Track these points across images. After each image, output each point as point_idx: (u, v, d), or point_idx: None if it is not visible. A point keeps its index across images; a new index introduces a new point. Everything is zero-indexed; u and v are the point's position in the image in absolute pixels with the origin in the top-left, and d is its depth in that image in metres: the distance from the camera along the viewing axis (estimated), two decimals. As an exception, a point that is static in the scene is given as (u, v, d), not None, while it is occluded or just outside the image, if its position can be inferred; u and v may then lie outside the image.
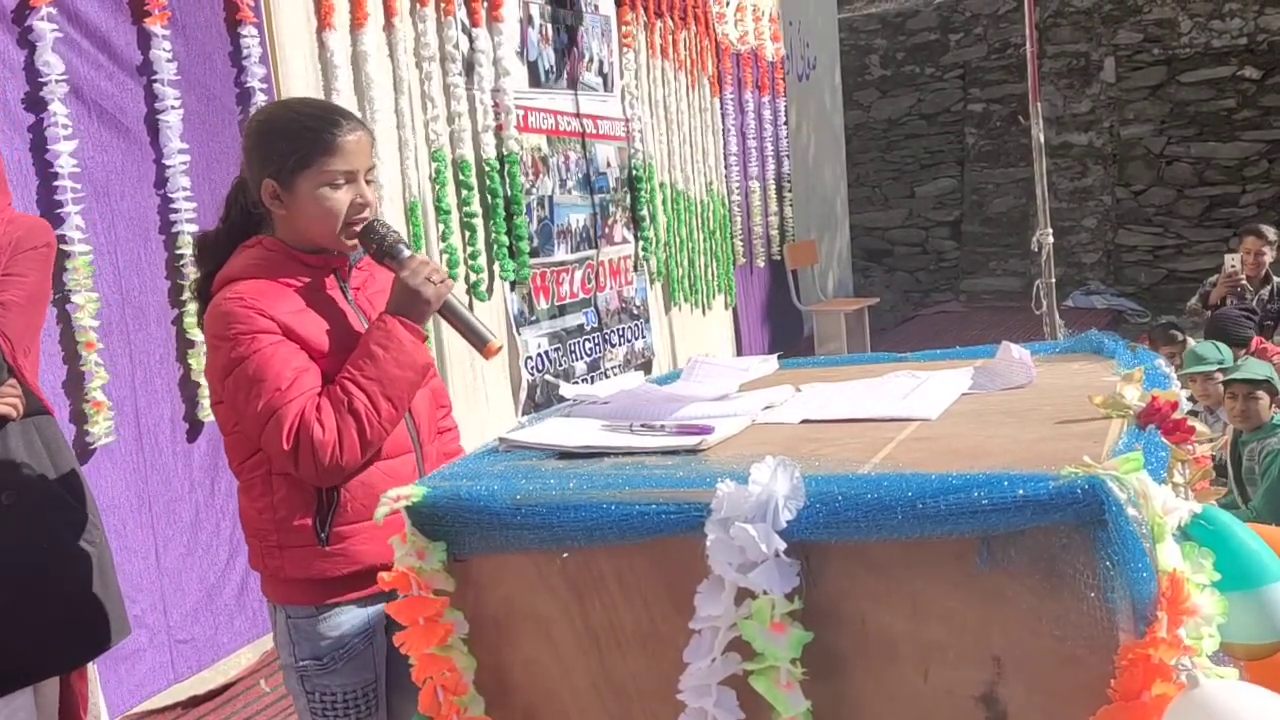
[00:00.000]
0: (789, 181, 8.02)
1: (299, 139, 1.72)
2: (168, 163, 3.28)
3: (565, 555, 1.25)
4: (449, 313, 1.79)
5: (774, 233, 7.75)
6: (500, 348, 1.83)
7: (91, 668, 2.28)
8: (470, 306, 4.47)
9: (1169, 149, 9.40)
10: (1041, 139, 4.99)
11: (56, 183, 2.95)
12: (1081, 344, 1.87)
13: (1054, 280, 4.97)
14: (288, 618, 1.76)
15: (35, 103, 2.93)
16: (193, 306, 3.31)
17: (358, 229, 1.76)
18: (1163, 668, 1.01)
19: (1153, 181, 9.48)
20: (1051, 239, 4.95)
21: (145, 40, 3.23)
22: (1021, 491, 1.05)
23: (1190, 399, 3.98)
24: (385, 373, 1.68)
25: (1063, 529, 1.05)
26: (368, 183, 1.77)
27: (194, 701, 3.25)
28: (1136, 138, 9.51)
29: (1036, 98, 4.99)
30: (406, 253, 1.76)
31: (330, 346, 1.72)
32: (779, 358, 1.99)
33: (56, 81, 2.95)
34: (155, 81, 3.24)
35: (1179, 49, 9.34)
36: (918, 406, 1.50)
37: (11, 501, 2.06)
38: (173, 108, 3.28)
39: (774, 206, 7.77)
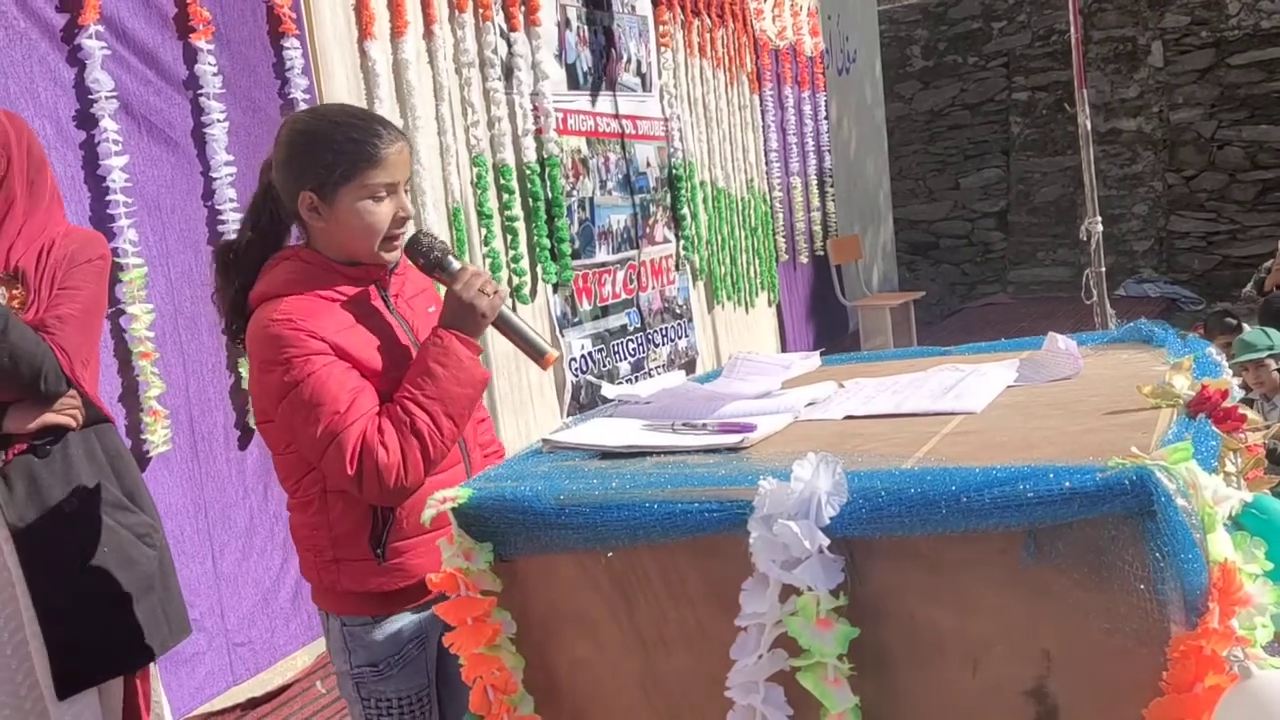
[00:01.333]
0: (830, 176, 7.97)
1: (342, 151, 1.68)
2: (214, 175, 3.34)
3: (610, 555, 1.26)
4: (504, 325, 1.78)
5: (816, 228, 7.72)
6: (558, 358, 1.83)
7: (154, 668, 2.33)
8: (513, 309, 4.50)
9: (1220, 133, 9.21)
10: (1089, 126, 4.91)
11: (109, 197, 3.01)
12: (1130, 334, 1.85)
13: (1104, 269, 4.88)
14: (342, 626, 1.77)
15: (86, 119, 3.00)
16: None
17: (398, 242, 1.74)
18: (1215, 659, 0.99)
19: (1204, 166, 9.30)
20: (1101, 227, 4.87)
21: (191, 55, 3.29)
22: (1068, 483, 1.04)
23: (1244, 387, 3.90)
24: (446, 391, 1.66)
25: (1111, 521, 1.03)
26: (405, 191, 1.76)
27: (253, 703, 3.31)
28: (1186, 122, 9.34)
29: (1083, 84, 4.92)
30: (456, 265, 1.75)
31: (381, 361, 1.70)
32: (821, 354, 1.98)
33: (106, 98, 3.01)
34: (201, 95, 3.31)
35: (1227, 31, 9.15)
36: (962, 400, 1.49)
37: (72, 508, 2.09)
38: (218, 121, 3.33)
39: (816, 202, 7.73)
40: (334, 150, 1.69)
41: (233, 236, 3.32)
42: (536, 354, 1.79)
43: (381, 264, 1.76)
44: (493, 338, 1.92)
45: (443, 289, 1.78)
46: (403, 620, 1.74)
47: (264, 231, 1.79)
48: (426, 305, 1.85)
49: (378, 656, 1.75)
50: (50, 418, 2.07)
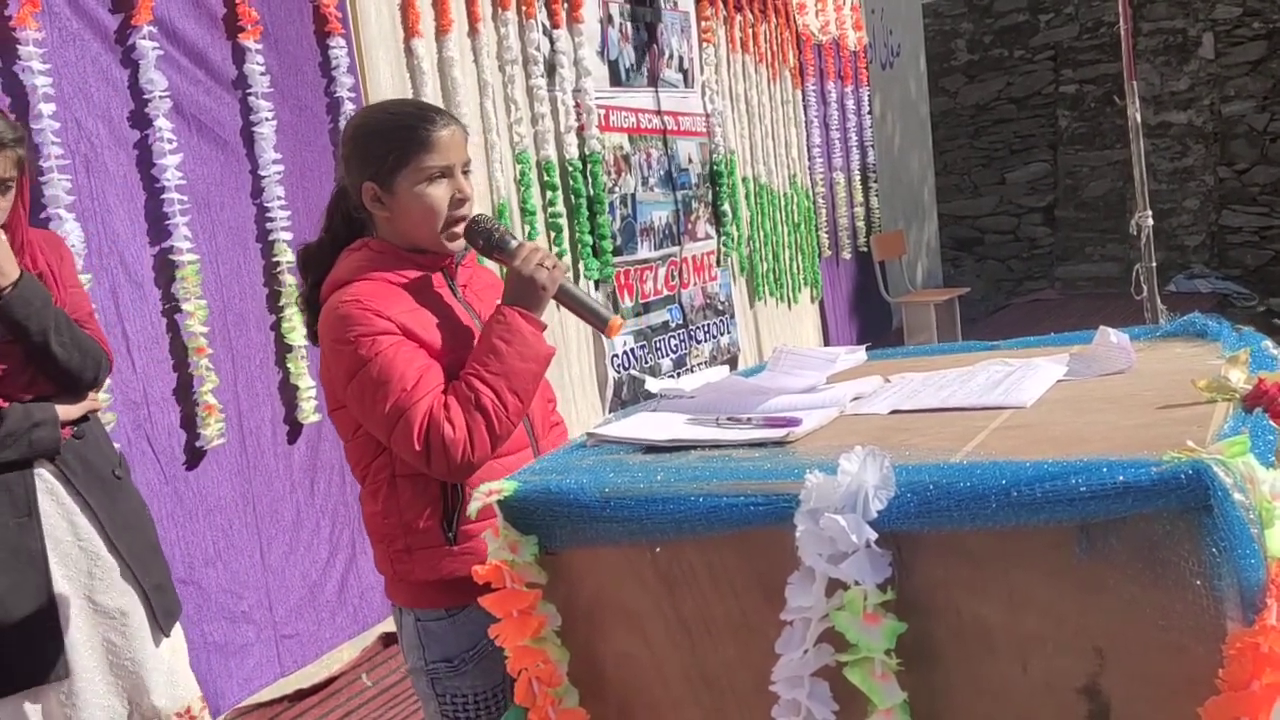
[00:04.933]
0: (874, 172, 7.91)
1: (393, 138, 1.73)
2: (263, 173, 3.38)
3: (658, 551, 1.25)
4: (565, 297, 1.78)
5: (860, 224, 7.66)
6: (622, 324, 1.82)
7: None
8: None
9: (1273, 125, 9.02)
10: (1139, 119, 4.83)
11: (164, 195, 3.06)
12: (1183, 327, 1.81)
13: (1155, 264, 4.80)
14: (416, 620, 1.77)
15: (140, 119, 3.05)
16: (290, 311, 3.41)
17: (459, 227, 1.77)
18: (1273, 656, 0.97)
19: (1256, 160, 9.11)
20: (1151, 221, 4.79)
21: (240, 55, 3.33)
22: (1122, 478, 1.02)
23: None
24: (510, 367, 1.67)
25: (1166, 516, 1.02)
26: (465, 174, 1.77)
27: (299, 695, 3.35)
28: (1238, 115, 9.15)
29: (1132, 77, 4.84)
30: (514, 243, 1.77)
31: (447, 344, 1.73)
32: (867, 349, 1.97)
33: (160, 98, 3.06)
34: (250, 95, 3.35)
35: (1283, 20, 8.96)
36: (1011, 394, 1.47)
37: (114, 479, 2.35)
38: (267, 119, 3.37)
39: (859, 197, 7.68)
40: (387, 139, 1.73)
41: (282, 234, 3.39)
42: (600, 322, 1.79)
43: (447, 252, 1.79)
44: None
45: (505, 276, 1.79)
46: (477, 614, 1.74)
47: (337, 232, 1.84)
48: (494, 299, 1.86)
49: (452, 651, 1.75)
50: (90, 404, 2.34)
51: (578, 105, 4.84)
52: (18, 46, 2.73)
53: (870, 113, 7.88)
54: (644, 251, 5.32)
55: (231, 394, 3.27)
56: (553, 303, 1.78)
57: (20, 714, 2.20)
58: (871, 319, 7.72)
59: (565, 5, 4.80)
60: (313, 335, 1.84)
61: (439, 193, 1.74)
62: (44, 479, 2.22)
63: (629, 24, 5.31)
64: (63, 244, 2.44)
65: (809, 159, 7.01)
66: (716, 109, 5.95)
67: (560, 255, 4.67)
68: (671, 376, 5.25)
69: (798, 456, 1.30)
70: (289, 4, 3.52)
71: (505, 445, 1.74)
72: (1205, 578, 1.00)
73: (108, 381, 2.98)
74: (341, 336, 1.68)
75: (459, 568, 1.72)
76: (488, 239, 1.77)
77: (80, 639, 2.25)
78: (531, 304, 1.73)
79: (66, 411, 2.24)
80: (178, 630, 2.46)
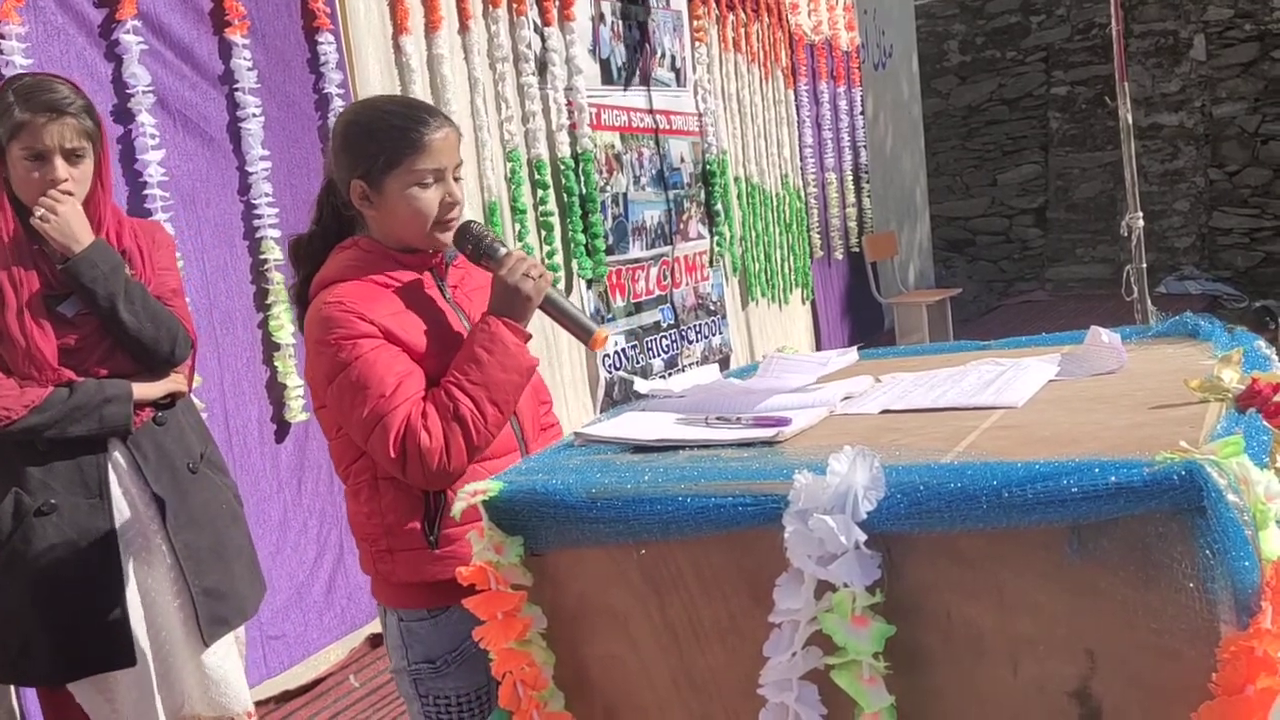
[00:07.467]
0: (866, 172, 7.90)
1: (386, 139, 1.71)
2: (250, 169, 3.35)
3: (643, 551, 1.24)
4: (551, 307, 1.77)
5: (852, 224, 7.66)
6: (607, 337, 1.81)
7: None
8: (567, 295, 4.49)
9: (1264, 127, 9.04)
10: (1129, 121, 4.83)
11: (146, 191, 3.03)
12: (1175, 327, 1.80)
13: (1145, 266, 4.81)
14: (400, 621, 1.77)
15: (123, 114, 3.02)
16: (278, 309, 3.38)
17: (450, 229, 1.75)
18: (1268, 661, 0.96)
19: (1247, 161, 9.13)
20: (1142, 223, 4.79)
21: (226, 50, 3.31)
22: (1114, 478, 1.01)
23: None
24: (491, 377, 1.66)
25: (1158, 517, 1.00)
26: (456, 180, 1.76)
27: (286, 696, 3.33)
28: (1229, 117, 9.17)
29: (1123, 78, 4.84)
30: (502, 251, 1.75)
31: (431, 347, 1.71)
32: (858, 349, 1.95)
33: (143, 93, 3.03)
34: (236, 90, 3.32)
35: (1272, 24, 8.98)
36: (1002, 394, 1.46)
37: (192, 471, 2.26)
38: (254, 115, 3.35)
39: (851, 198, 7.67)
40: (379, 138, 1.71)
41: (270, 231, 3.36)
42: (585, 335, 1.78)
43: (437, 248, 1.78)
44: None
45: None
46: (460, 616, 1.72)
47: (327, 225, 1.83)
48: (485, 299, 1.84)
49: (435, 652, 1.74)
50: (171, 385, 2.25)
51: (569, 103, 4.82)
52: (0, 40, 2.70)
53: (862, 113, 7.88)
54: (636, 251, 5.30)
55: (218, 392, 3.25)
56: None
57: (93, 699, 2.15)
58: (863, 319, 7.72)
59: (557, 3, 4.78)
60: (302, 329, 1.83)
61: (429, 196, 1.72)
62: (116, 462, 2.18)
63: (621, 22, 5.30)
64: (162, 230, 2.42)
65: (801, 159, 7.00)
66: (709, 108, 5.93)
67: (551, 254, 4.65)
68: (662, 377, 5.23)
69: (787, 456, 1.29)
70: (277, -1, 3.50)
71: (493, 449, 1.73)
72: (1198, 580, 0.99)
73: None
74: (323, 338, 1.67)
75: (441, 571, 1.70)
76: (476, 245, 1.76)
77: (140, 630, 2.20)
78: (516, 314, 1.71)
79: (144, 390, 2.18)
80: (233, 637, 2.34)
